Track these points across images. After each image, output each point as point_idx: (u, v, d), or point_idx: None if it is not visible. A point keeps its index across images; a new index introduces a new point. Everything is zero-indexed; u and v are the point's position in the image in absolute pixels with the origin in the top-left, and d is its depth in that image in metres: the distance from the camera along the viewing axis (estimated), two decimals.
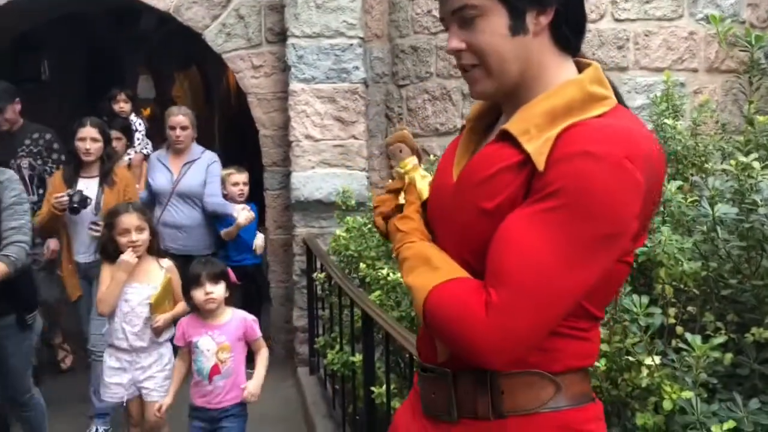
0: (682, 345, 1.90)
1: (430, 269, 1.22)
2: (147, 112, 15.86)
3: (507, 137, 1.20)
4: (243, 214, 4.84)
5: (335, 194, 4.92)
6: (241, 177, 5.11)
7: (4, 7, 5.31)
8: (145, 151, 5.54)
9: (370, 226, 3.89)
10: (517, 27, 1.19)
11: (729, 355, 1.98)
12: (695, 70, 4.90)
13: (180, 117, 4.79)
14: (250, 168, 5.49)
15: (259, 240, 5.14)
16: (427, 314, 1.19)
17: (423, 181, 1.44)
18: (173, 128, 4.79)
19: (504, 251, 1.12)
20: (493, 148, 1.23)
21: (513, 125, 1.19)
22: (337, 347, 3.67)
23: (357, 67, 5.04)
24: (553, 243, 1.08)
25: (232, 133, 9.85)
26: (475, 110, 1.39)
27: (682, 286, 2.15)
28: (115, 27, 8.77)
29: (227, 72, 9.44)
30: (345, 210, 4.62)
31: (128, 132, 5.10)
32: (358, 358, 3.20)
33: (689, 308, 2.23)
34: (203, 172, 4.78)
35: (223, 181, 4.97)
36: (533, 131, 1.16)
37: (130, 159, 5.30)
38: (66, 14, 6.38)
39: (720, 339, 1.88)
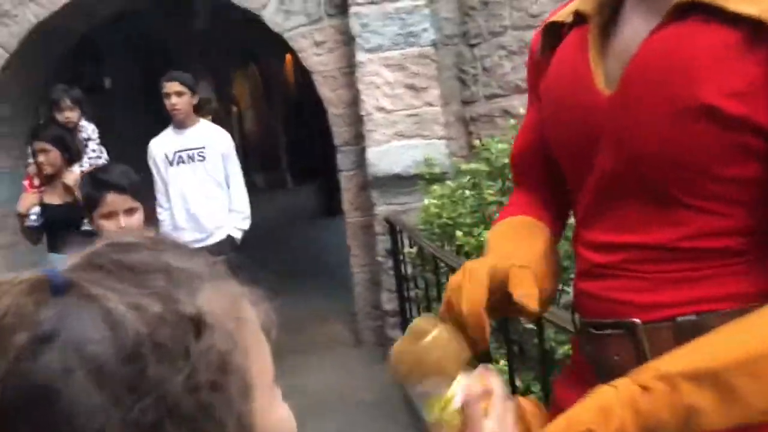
0: None
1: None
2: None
3: (692, 10, 0.89)
4: None
5: (414, 166, 4.62)
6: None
7: (63, 9, 5.22)
8: (100, 161, 4.23)
9: (460, 192, 3.58)
10: None
11: None
12: None
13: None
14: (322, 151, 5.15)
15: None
16: None
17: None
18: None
19: None
20: (674, 32, 0.91)
21: None
22: None
23: (425, 29, 4.72)
24: None
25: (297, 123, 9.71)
26: (588, 7, 1.06)
27: None
28: (167, 24, 8.69)
29: (284, 68, 9.32)
30: (429, 180, 4.33)
31: (61, 143, 3.97)
32: None
33: None
34: None
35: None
36: None
37: (82, 171, 3.95)
38: (118, 13, 6.26)
39: None
